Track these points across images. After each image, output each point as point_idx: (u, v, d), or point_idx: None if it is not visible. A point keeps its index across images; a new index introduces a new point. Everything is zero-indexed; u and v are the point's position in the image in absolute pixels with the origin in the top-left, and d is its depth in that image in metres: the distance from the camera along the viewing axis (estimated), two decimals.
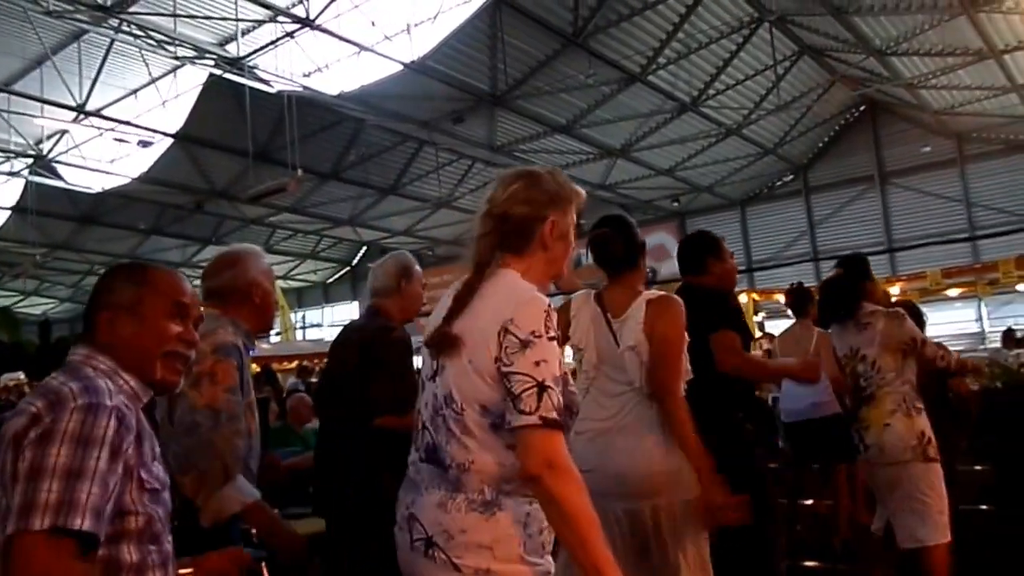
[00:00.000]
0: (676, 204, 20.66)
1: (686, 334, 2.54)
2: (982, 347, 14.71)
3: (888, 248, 17.83)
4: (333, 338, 3.40)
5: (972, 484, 5.66)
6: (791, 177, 20.00)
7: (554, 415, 1.51)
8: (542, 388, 1.51)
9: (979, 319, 17.57)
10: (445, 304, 1.71)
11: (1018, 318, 13.98)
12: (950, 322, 16.69)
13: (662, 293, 2.63)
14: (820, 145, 19.44)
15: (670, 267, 18.64)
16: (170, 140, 16.63)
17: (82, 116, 15.04)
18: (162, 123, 16.46)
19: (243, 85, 13.71)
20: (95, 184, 18.97)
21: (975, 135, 17.51)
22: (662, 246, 17.85)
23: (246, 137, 14.47)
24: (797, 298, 5.37)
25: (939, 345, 3.80)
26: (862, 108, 18.44)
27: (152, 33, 12.64)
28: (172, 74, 16.61)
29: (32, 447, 1.19)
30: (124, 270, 1.48)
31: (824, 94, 16.46)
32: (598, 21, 12.62)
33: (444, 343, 1.63)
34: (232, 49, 13.70)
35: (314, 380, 11.54)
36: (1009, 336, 11.04)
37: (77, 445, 1.19)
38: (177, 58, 13.97)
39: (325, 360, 4.26)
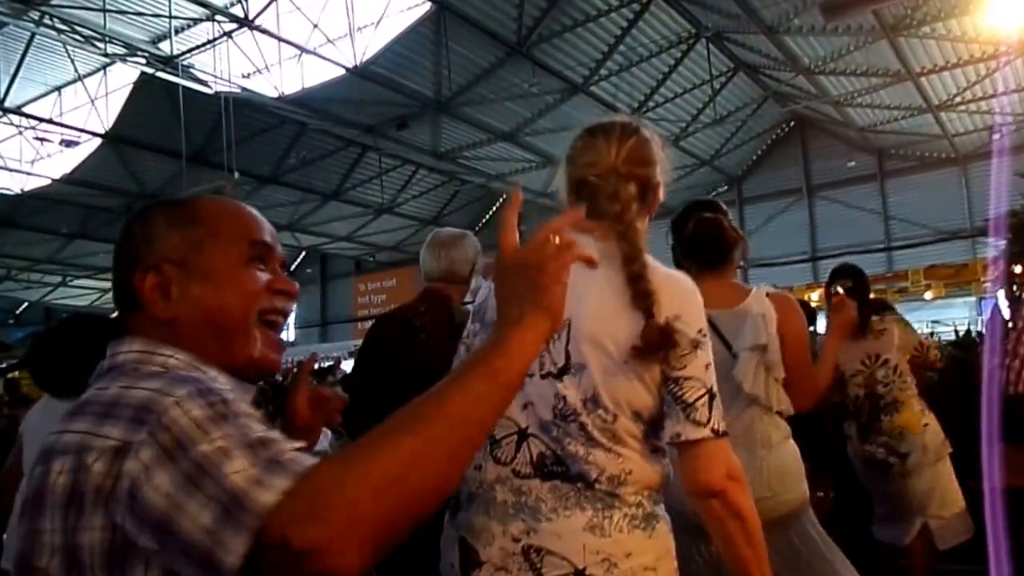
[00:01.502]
0: None
1: None
2: None
3: (812, 257, 18.56)
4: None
5: None
6: (726, 188, 20.61)
7: (724, 426, 1.36)
8: (712, 395, 1.35)
9: None
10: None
11: (925, 323, 14.77)
12: None
13: (771, 289, 2.37)
14: (753, 158, 20.16)
15: None
16: (98, 140, 16.02)
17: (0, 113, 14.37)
18: (90, 122, 15.86)
19: (177, 85, 13.34)
20: (13, 185, 18.11)
21: (894, 151, 18.42)
22: None
23: (180, 139, 14.07)
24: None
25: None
26: (792, 124, 19.20)
27: (79, 28, 12.19)
28: (101, 71, 16.07)
29: (164, 467, 0.75)
30: (163, 208, 1.00)
31: (757, 109, 17.05)
32: (542, 31, 12.78)
33: (664, 341, 1.33)
34: (166, 47, 13.34)
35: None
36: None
37: (222, 421, 0.78)
38: (107, 55, 13.52)
39: None
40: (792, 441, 2.29)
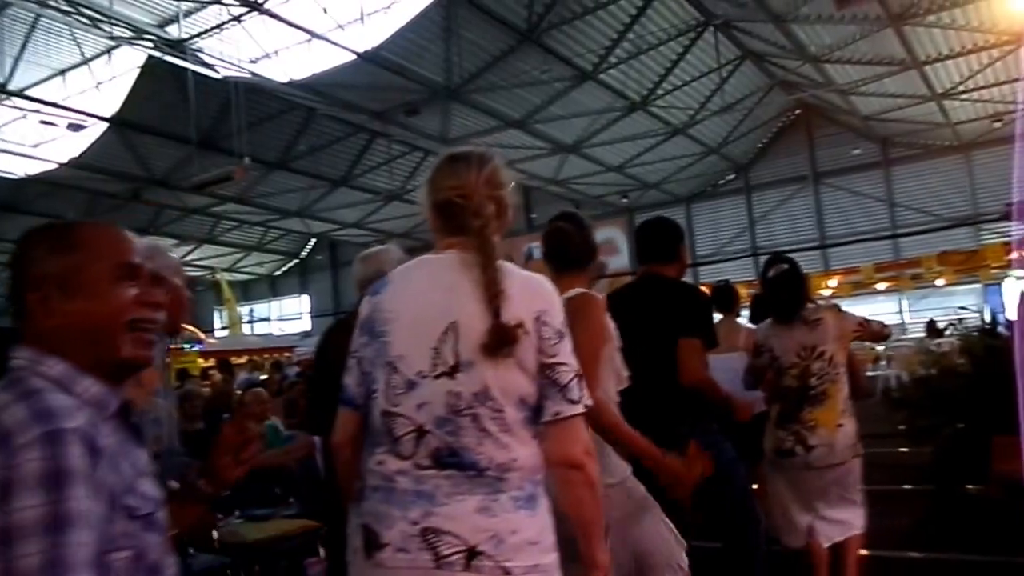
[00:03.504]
0: (625, 200, 21.17)
1: (612, 333, 2.34)
2: (904, 337, 15.58)
3: (821, 244, 18.66)
4: (283, 333, 3.02)
5: (912, 466, 6.05)
6: (733, 176, 20.78)
7: (591, 401, 1.57)
8: (579, 376, 1.54)
9: (900, 311, 18.60)
10: (423, 293, 1.57)
11: (935, 311, 14.86)
12: (875, 314, 17.52)
13: (582, 290, 2.37)
14: (760, 146, 20.27)
15: (619, 262, 19.08)
16: (104, 124, 15.98)
17: (3, 96, 14.31)
18: (95, 106, 15.84)
19: (186, 69, 13.32)
20: (17, 169, 18.08)
21: (898, 140, 18.51)
22: (612, 241, 18.28)
23: (188, 123, 14.04)
24: (723, 295, 5.25)
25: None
26: (798, 112, 19.27)
27: (84, 10, 12.16)
28: (107, 55, 16.06)
29: None
30: (46, 234, 1.16)
31: (764, 97, 17.11)
32: (552, 18, 12.80)
33: (506, 338, 1.48)
34: (173, 31, 13.33)
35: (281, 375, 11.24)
36: (932, 327, 11.82)
37: (47, 489, 0.95)
38: (113, 38, 13.51)
39: (274, 356, 4.02)
40: None
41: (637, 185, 20.28)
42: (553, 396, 1.51)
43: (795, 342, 3.38)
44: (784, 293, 3.48)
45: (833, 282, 12.80)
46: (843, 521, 3.33)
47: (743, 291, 6.65)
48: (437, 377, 1.50)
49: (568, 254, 2.49)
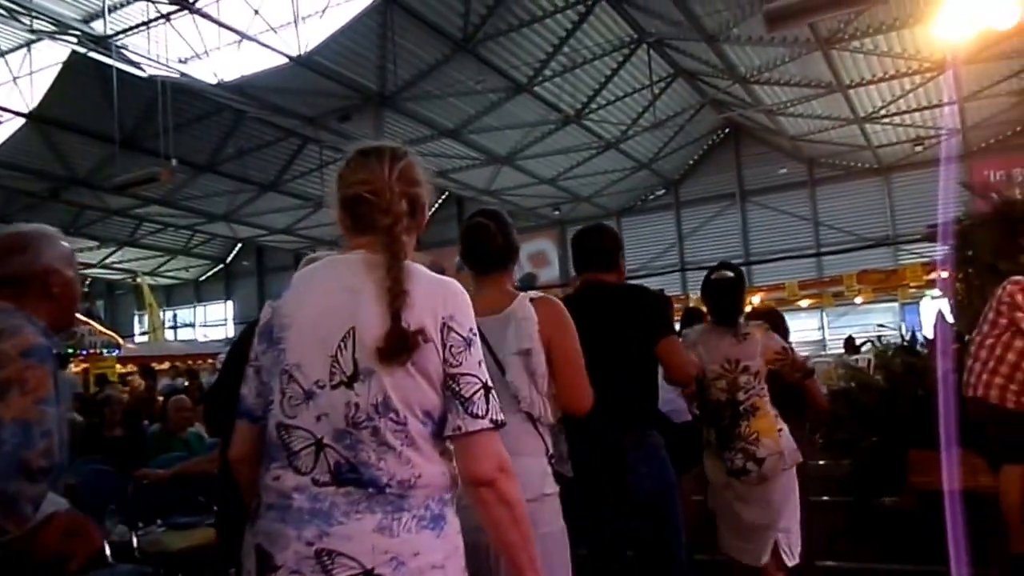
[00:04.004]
0: (557, 212, 21.30)
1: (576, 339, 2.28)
2: (824, 353, 16.08)
3: (746, 261, 19.15)
4: (206, 339, 2.99)
5: (830, 478, 6.21)
6: (663, 191, 21.16)
7: (501, 416, 1.46)
8: (487, 389, 1.45)
9: (821, 328, 19.22)
10: (331, 295, 1.47)
11: (853, 327, 15.39)
12: (797, 331, 18.15)
13: (544, 295, 2.32)
14: (690, 163, 20.69)
15: (550, 273, 19.18)
16: (21, 120, 15.31)
17: None
18: (12, 101, 15.16)
19: (110, 66, 12.86)
20: None
21: (823, 160, 19.16)
22: (543, 253, 18.35)
23: (112, 122, 13.53)
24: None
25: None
26: (728, 130, 19.76)
27: (3, 2, 11.65)
28: (25, 48, 15.40)
29: None
30: None
31: (695, 115, 17.46)
32: (488, 29, 12.80)
33: (404, 344, 1.39)
34: (98, 27, 12.85)
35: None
36: (850, 343, 12.25)
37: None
38: (33, 31, 12.94)
39: (199, 361, 3.99)
40: (544, 458, 2.20)
41: (569, 198, 20.46)
42: (455, 409, 1.43)
43: (721, 353, 3.38)
44: (725, 299, 3.50)
45: (757, 298, 13.16)
46: (795, 533, 3.34)
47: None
48: (335, 387, 1.41)
49: (490, 253, 2.34)
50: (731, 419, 3.33)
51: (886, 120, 16.21)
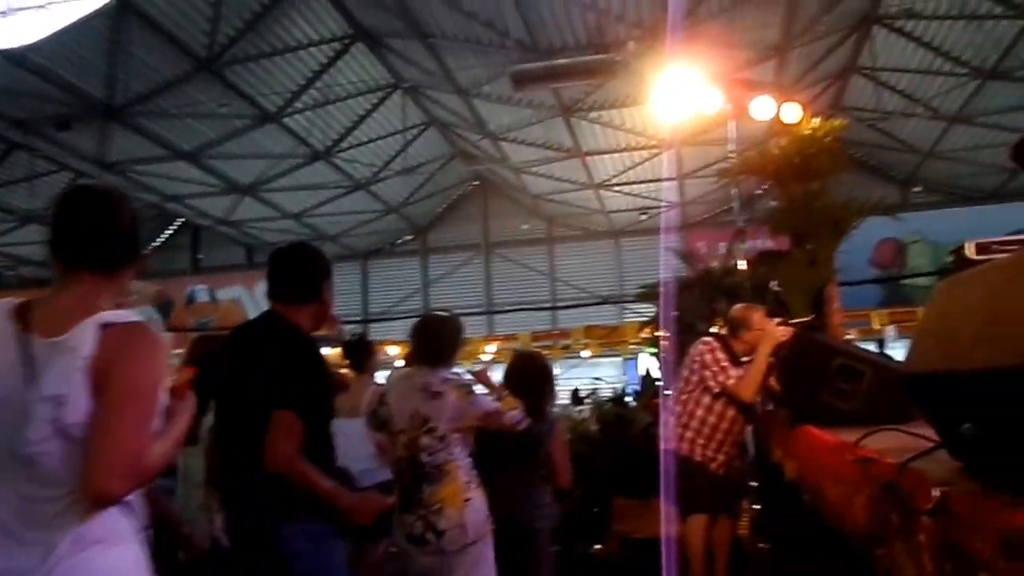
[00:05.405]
0: None
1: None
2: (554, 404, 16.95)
3: (488, 310, 19.79)
4: None
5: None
6: (411, 237, 21.32)
7: None
8: None
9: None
10: None
11: (582, 379, 16.42)
12: None
13: (133, 322, 1.60)
14: (439, 211, 21.09)
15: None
16: None
17: None
18: None
19: None
20: None
21: (562, 220, 20.49)
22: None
23: None
24: (355, 351, 4.89)
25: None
26: (476, 183, 20.47)
27: None
28: None
29: None
30: None
31: (446, 165, 17.89)
32: (236, 52, 12.13)
33: None
34: None
35: None
36: (575, 395, 13.00)
37: None
38: None
39: None
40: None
41: (315, 235, 19.82)
42: None
43: (410, 405, 3.12)
44: (431, 339, 3.23)
45: (492, 347, 13.60)
46: None
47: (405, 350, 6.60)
48: None
49: (89, 235, 1.66)
50: (413, 481, 3.06)
51: (617, 188, 17.72)
